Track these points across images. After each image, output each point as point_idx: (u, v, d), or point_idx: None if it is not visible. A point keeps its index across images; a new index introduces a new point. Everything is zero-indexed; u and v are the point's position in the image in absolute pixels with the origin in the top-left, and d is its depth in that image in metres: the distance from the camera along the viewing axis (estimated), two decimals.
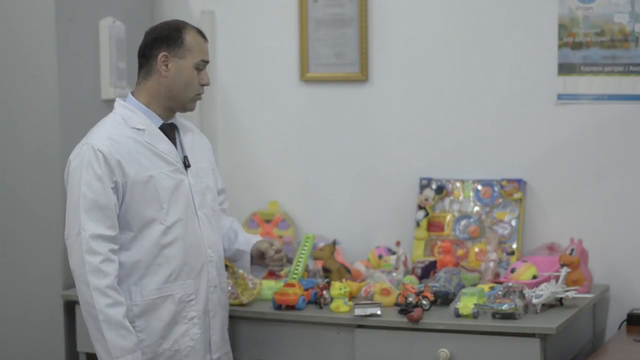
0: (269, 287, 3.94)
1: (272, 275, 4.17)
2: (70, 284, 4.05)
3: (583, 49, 4.08)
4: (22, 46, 4.11)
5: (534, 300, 3.62)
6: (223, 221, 3.66)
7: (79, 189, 3.25)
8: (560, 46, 4.11)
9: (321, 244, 4.13)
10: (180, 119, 3.53)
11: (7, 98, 4.14)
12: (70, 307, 4.11)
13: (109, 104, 4.19)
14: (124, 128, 3.36)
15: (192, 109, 3.47)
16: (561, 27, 4.09)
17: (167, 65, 3.37)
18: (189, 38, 3.39)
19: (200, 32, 3.44)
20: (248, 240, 3.64)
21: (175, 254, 3.36)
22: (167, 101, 3.41)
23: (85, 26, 4.21)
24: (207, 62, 3.44)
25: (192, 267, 3.40)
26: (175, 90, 3.40)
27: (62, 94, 4.08)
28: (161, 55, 3.37)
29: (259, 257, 3.61)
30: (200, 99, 3.46)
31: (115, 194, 3.29)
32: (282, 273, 4.15)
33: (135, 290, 3.33)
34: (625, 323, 3.88)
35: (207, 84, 3.44)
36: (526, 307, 3.61)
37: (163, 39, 3.38)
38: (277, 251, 3.57)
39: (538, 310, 3.63)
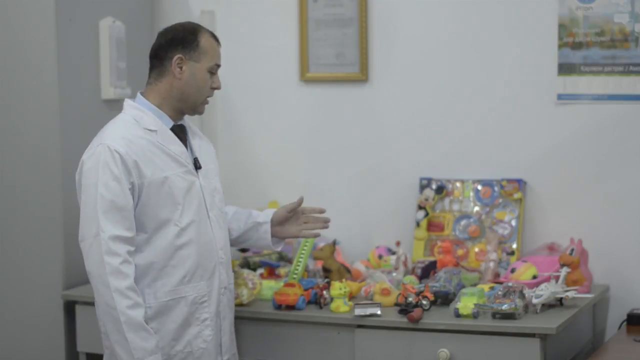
0: (269, 287, 3.94)
1: (271, 274, 4.18)
2: (70, 284, 4.05)
3: (583, 49, 4.08)
4: (22, 46, 4.11)
5: (534, 300, 3.62)
6: (226, 208, 3.65)
7: (96, 190, 3.22)
8: (560, 46, 4.11)
9: (321, 244, 4.13)
10: (187, 121, 3.53)
11: (7, 98, 4.14)
12: (70, 307, 4.11)
13: (109, 104, 4.22)
14: (137, 128, 3.33)
15: (201, 112, 3.47)
16: (561, 27, 4.09)
17: (181, 68, 3.36)
18: (204, 41, 3.38)
19: (214, 36, 3.43)
20: (266, 212, 3.65)
21: (189, 256, 3.35)
22: (178, 103, 3.40)
23: (85, 26, 4.21)
24: (219, 66, 3.43)
25: (205, 268, 3.39)
26: (187, 93, 3.39)
27: (62, 94, 4.08)
28: (176, 57, 3.35)
29: (280, 224, 3.62)
30: (208, 102, 3.47)
31: (131, 195, 3.26)
32: (281, 272, 4.16)
33: (149, 292, 3.31)
34: (625, 323, 3.88)
35: (218, 88, 3.44)
36: (526, 307, 3.61)
37: (179, 41, 3.37)
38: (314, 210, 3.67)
39: (538, 310, 3.63)
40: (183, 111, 3.44)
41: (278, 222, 3.64)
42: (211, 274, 3.41)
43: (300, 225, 3.68)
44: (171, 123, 3.41)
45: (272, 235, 3.64)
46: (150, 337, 3.23)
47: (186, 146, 3.44)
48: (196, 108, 3.44)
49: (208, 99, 3.46)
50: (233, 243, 3.66)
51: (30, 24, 4.08)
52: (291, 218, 3.67)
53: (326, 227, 3.68)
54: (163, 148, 3.35)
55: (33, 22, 4.08)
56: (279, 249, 3.74)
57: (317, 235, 3.68)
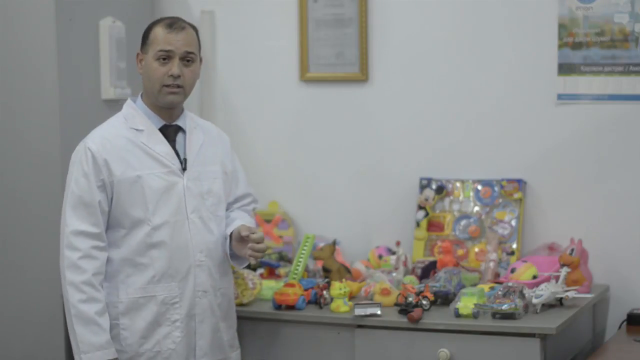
0: (269, 287, 3.94)
1: (271, 274, 4.18)
2: None
3: (583, 49, 4.08)
4: (22, 46, 4.10)
5: (534, 300, 3.62)
6: (233, 213, 3.61)
7: (69, 186, 3.34)
8: (560, 46, 4.11)
9: (321, 244, 4.13)
10: (197, 120, 3.55)
11: (7, 98, 4.14)
12: None
13: (109, 104, 4.22)
14: (122, 128, 3.41)
15: (167, 104, 3.41)
16: (561, 27, 4.09)
17: (141, 63, 3.43)
18: (153, 32, 3.41)
19: (169, 24, 3.40)
20: (232, 226, 3.52)
21: (160, 256, 3.38)
22: (148, 98, 3.45)
23: (85, 26, 4.21)
24: (167, 51, 3.36)
25: (177, 270, 3.40)
26: (147, 85, 3.43)
27: (62, 94, 4.08)
28: (137, 53, 3.45)
29: (237, 240, 3.47)
30: (173, 91, 3.39)
31: (104, 192, 3.33)
32: (281, 272, 4.16)
33: (122, 288, 3.37)
34: (625, 323, 3.88)
35: (174, 74, 3.36)
36: (526, 307, 3.61)
37: (141, 39, 3.45)
38: (258, 240, 3.40)
39: (538, 310, 3.63)
40: (160, 106, 3.43)
41: (236, 239, 3.49)
42: (184, 276, 3.41)
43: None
44: (161, 123, 3.44)
45: (233, 249, 3.51)
46: (101, 332, 3.28)
47: (175, 147, 3.45)
48: (158, 98, 3.42)
49: (169, 87, 3.37)
50: None
51: (30, 24, 4.08)
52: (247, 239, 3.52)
53: (258, 257, 3.44)
54: (145, 148, 3.39)
55: (33, 22, 4.08)
56: (239, 267, 3.64)
57: (254, 262, 3.54)
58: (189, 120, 3.51)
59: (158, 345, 3.38)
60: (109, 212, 3.36)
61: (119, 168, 3.35)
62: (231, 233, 3.51)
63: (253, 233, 3.40)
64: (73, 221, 3.30)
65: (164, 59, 3.37)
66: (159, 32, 3.40)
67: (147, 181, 3.37)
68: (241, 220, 3.55)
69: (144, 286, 3.37)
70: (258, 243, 3.40)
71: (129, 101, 3.49)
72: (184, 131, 3.48)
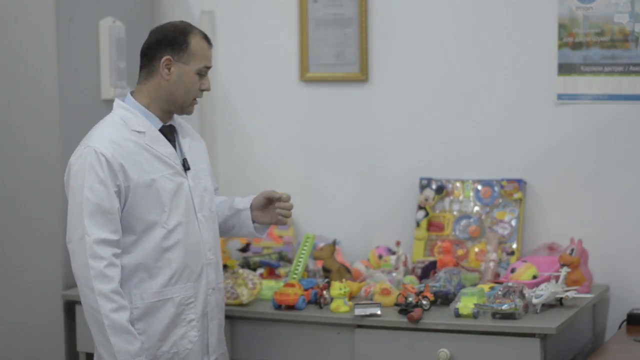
0: (269, 287, 3.94)
1: (271, 274, 4.18)
2: (70, 284, 4.05)
3: (583, 49, 4.08)
4: (22, 46, 4.11)
5: (534, 300, 3.62)
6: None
7: (82, 193, 3.23)
8: (560, 46, 4.11)
9: (321, 244, 4.13)
10: (178, 120, 3.52)
11: (7, 98, 4.14)
12: (70, 307, 4.11)
13: (109, 104, 4.18)
14: (124, 130, 3.34)
15: (190, 113, 3.45)
16: (561, 27, 4.10)
17: (169, 69, 3.34)
18: (194, 43, 3.35)
19: (205, 37, 3.40)
20: (247, 199, 3.59)
21: (176, 257, 3.35)
22: (165, 104, 3.39)
23: (85, 26, 4.21)
24: (209, 67, 3.41)
25: (192, 270, 3.39)
26: (174, 95, 3.37)
27: (62, 94, 4.08)
28: (165, 58, 3.34)
29: (260, 209, 3.55)
30: (197, 103, 3.44)
31: (118, 198, 3.27)
32: (281, 272, 4.16)
33: (136, 293, 3.32)
34: (625, 323, 3.88)
35: (207, 89, 3.42)
36: (526, 307, 3.61)
37: (168, 42, 3.35)
38: (287, 199, 3.53)
39: (538, 310, 3.63)
40: (171, 111, 3.42)
41: (258, 208, 3.57)
42: (198, 275, 3.41)
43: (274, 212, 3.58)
44: (160, 124, 3.41)
45: (254, 220, 3.57)
46: (134, 340, 3.25)
47: (175, 147, 3.44)
48: (184, 109, 3.42)
49: (197, 99, 3.43)
50: (221, 233, 3.62)
51: (30, 24, 4.08)
52: (271, 204, 3.58)
53: (288, 215, 3.56)
54: (150, 150, 3.35)
55: (33, 22, 4.08)
56: (263, 235, 3.67)
57: (283, 223, 3.62)
58: (176, 120, 3.50)
59: (175, 346, 3.37)
60: (120, 218, 3.29)
61: (135, 172, 3.29)
62: (250, 205, 3.56)
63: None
64: (93, 230, 3.21)
65: (203, 74, 3.39)
66: (202, 45, 3.37)
67: (160, 184, 3.34)
68: (237, 198, 3.63)
69: (160, 289, 3.34)
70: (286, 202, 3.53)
71: (120, 102, 3.42)
72: (176, 131, 3.48)
